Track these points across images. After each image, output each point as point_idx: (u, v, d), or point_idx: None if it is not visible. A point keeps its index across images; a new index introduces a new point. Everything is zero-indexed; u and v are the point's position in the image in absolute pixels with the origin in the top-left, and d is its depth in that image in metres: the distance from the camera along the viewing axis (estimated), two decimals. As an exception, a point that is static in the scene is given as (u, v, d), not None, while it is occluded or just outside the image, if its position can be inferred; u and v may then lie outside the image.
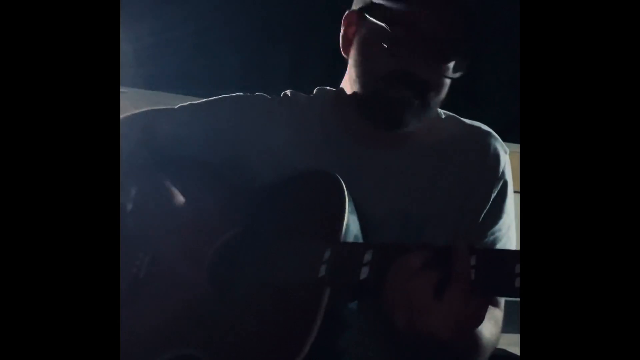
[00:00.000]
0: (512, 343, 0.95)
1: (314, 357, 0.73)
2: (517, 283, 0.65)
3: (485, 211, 1.01)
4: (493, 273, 0.68)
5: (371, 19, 0.96)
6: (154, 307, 0.94)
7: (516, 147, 1.25)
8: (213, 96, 1.11)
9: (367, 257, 0.76)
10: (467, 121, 1.08)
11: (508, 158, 1.06)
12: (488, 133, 1.06)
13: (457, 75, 0.96)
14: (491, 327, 0.92)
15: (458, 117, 1.09)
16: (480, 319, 0.71)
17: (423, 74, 0.93)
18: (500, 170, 1.03)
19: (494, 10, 0.94)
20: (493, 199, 1.01)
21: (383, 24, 0.93)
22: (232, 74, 2.17)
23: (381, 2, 0.94)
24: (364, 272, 0.75)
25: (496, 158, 1.03)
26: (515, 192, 1.04)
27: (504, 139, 1.07)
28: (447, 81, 0.98)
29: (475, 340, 0.87)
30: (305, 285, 0.80)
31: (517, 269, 0.65)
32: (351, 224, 0.84)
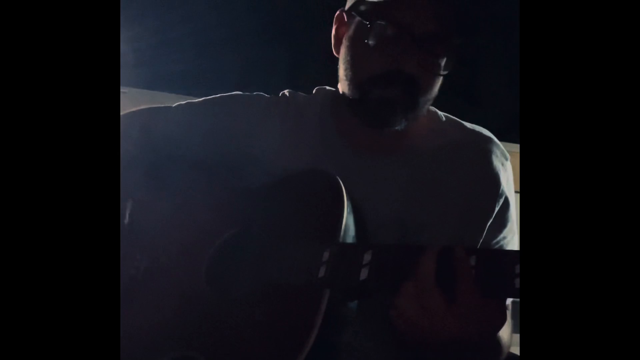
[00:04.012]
0: (512, 343, 0.95)
1: (314, 357, 0.73)
2: (517, 284, 0.65)
3: (489, 223, 0.99)
4: (493, 273, 0.68)
5: (359, 17, 0.94)
6: (151, 308, 0.94)
7: (516, 147, 1.25)
8: (213, 96, 1.11)
9: (367, 257, 0.75)
10: (468, 125, 1.06)
11: (509, 165, 1.04)
12: (489, 139, 1.04)
13: (447, 72, 0.94)
14: (506, 328, 0.91)
15: (458, 120, 1.07)
16: (503, 317, 0.70)
17: (412, 72, 0.91)
18: (502, 182, 1.01)
19: (487, 5, 0.92)
20: (497, 212, 1.00)
21: (368, 22, 0.91)
22: (232, 74, 2.17)
23: None
24: (364, 273, 0.75)
25: (496, 167, 1.01)
26: (515, 192, 1.04)
27: (504, 139, 1.05)
28: (437, 79, 0.95)
29: (496, 342, 0.87)
30: (305, 286, 0.79)
31: (517, 269, 0.65)
32: (350, 225, 0.83)
